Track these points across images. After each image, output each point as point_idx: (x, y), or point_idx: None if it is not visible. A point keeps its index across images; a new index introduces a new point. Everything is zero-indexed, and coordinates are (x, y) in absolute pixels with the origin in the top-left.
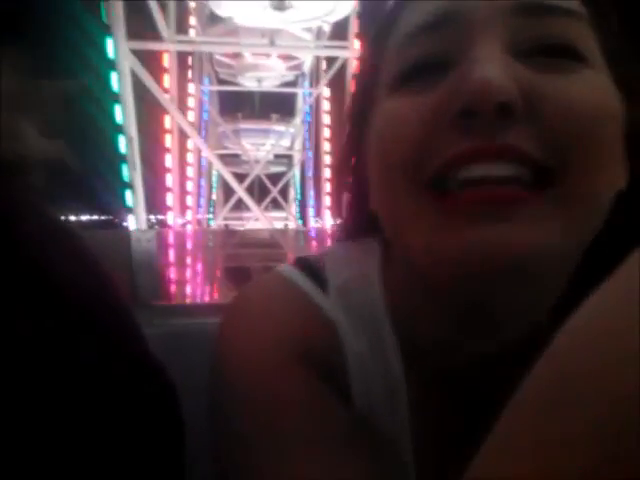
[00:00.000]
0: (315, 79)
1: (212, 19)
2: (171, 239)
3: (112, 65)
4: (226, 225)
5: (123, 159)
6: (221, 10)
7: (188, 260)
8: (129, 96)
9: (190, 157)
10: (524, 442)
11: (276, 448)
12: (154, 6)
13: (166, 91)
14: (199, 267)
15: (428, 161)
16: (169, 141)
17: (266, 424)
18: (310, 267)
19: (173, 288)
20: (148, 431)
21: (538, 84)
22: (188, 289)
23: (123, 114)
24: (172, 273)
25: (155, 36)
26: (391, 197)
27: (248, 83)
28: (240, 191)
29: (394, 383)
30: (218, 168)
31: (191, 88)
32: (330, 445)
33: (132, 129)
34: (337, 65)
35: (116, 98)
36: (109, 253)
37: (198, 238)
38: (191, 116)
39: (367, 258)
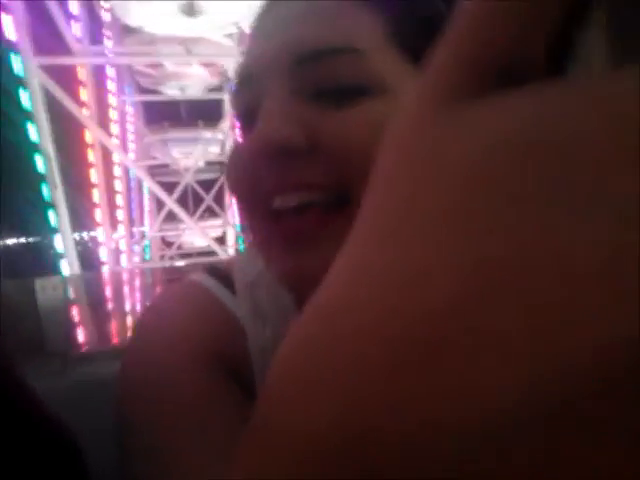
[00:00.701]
0: None
1: (128, 30)
2: (82, 286)
3: (22, 82)
4: (162, 237)
5: (43, 178)
6: (131, 19)
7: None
8: (42, 113)
9: (117, 170)
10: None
11: (175, 458)
12: (60, 20)
13: (84, 105)
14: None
15: (257, 195)
16: (92, 156)
17: (163, 431)
18: (219, 271)
19: (92, 334)
20: None
21: (318, 123)
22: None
23: (37, 132)
24: (88, 318)
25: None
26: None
27: (171, 92)
28: (170, 202)
29: None
30: (146, 181)
31: (112, 99)
32: (226, 447)
33: (48, 147)
34: None
35: (28, 116)
36: (10, 305)
37: (115, 281)
38: (114, 129)
39: None
